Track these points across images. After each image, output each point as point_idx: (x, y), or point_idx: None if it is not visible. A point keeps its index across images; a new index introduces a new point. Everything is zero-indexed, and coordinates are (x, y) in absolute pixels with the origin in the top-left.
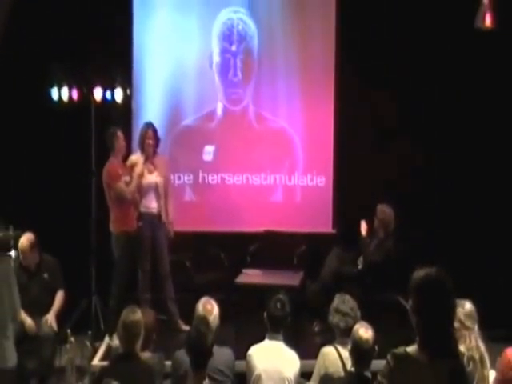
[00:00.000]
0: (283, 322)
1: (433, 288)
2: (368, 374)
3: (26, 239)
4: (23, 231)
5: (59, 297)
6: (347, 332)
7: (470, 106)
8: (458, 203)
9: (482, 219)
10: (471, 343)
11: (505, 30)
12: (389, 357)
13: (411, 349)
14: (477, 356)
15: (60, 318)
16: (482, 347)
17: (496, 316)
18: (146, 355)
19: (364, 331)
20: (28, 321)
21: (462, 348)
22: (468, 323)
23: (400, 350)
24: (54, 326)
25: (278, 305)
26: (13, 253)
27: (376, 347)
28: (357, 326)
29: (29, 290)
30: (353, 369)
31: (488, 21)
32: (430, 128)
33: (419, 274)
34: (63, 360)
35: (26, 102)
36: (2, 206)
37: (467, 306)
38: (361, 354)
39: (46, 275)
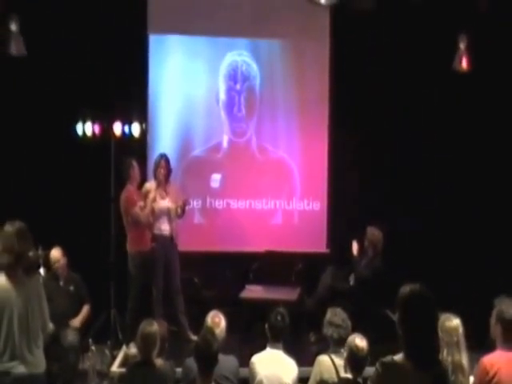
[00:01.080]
0: (283, 333)
1: (417, 303)
2: (360, 380)
3: (55, 250)
4: (51, 250)
5: (85, 309)
6: (340, 341)
7: (449, 138)
8: (441, 226)
9: (464, 243)
10: (454, 355)
11: (480, 72)
12: (377, 364)
13: (398, 357)
14: (459, 367)
15: (83, 329)
16: (465, 359)
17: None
18: (159, 362)
19: (360, 341)
20: None
21: (446, 358)
22: (453, 336)
23: (388, 358)
24: (77, 326)
25: (279, 317)
26: (42, 270)
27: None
28: (353, 336)
29: (55, 301)
30: (349, 375)
31: (464, 64)
32: (413, 159)
33: (405, 290)
34: (85, 366)
35: (55, 137)
36: (32, 227)
37: (453, 320)
38: (357, 361)
39: (72, 287)
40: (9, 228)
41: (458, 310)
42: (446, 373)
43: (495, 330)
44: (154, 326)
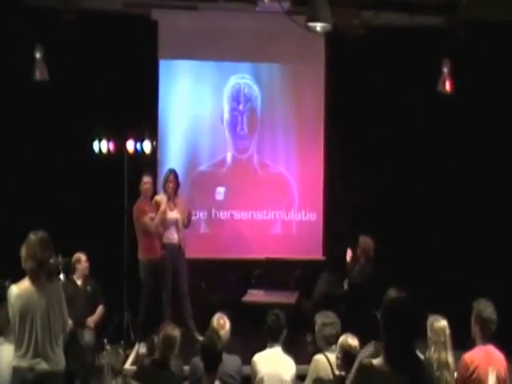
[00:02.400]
0: (280, 332)
1: (399, 308)
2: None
3: (78, 254)
4: (70, 257)
5: (100, 309)
6: (332, 339)
7: (436, 153)
8: (429, 236)
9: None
10: (441, 353)
11: (462, 94)
12: (357, 367)
13: (377, 361)
14: (445, 364)
15: (99, 330)
16: (451, 357)
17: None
18: (172, 363)
19: (351, 340)
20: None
21: (432, 356)
22: (441, 336)
23: (366, 361)
24: (92, 326)
25: (273, 317)
26: (61, 276)
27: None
28: (345, 337)
29: (75, 302)
30: (343, 372)
31: (448, 86)
32: (402, 173)
33: (388, 296)
34: (101, 363)
35: (74, 154)
36: (53, 236)
37: (441, 322)
38: (350, 358)
39: (89, 288)
40: (32, 237)
41: (445, 312)
42: (422, 375)
43: (474, 328)
44: (176, 331)
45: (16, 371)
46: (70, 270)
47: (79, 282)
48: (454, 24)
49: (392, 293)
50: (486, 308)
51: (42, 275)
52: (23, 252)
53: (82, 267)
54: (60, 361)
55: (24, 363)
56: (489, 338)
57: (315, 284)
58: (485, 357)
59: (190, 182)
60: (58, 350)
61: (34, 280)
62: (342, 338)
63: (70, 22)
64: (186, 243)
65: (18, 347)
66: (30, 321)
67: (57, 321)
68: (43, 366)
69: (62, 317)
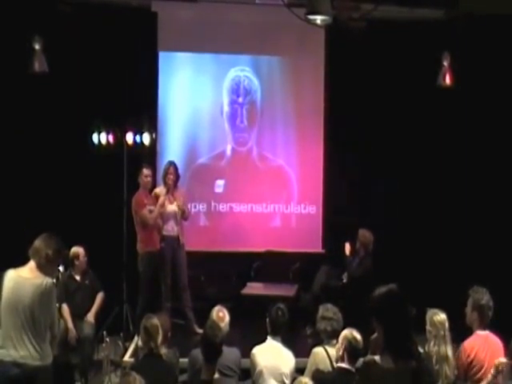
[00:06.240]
0: (282, 327)
1: (394, 301)
2: (352, 369)
3: (76, 247)
4: (69, 250)
5: (99, 297)
6: (333, 333)
7: (434, 147)
8: (426, 230)
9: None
10: (440, 347)
11: (462, 88)
12: (360, 365)
13: (378, 357)
14: (444, 357)
15: (98, 321)
16: (450, 351)
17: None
18: (163, 351)
19: (355, 333)
20: (73, 332)
21: (432, 349)
22: (440, 330)
23: (369, 357)
24: (92, 321)
25: (279, 312)
26: (61, 268)
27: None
28: (349, 330)
29: (76, 297)
30: (343, 365)
31: (448, 80)
32: (401, 167)
33: (379, 291)
34: (100, 356)
35: (73, 146)
36: (52, 229)
37: (440, 315)
38: (354, 352)
39: (87, 281)
40: (43, 235)
41: (443, 305)
42: (423, 365)
43: (471, 317)
44: (154, 319)
45: (0, 366)
46: (68, 265)
47: (78, 277)
48: (453, 17)
49: (381, 289)
50: (483, 295)
51: (42, 270)
52: (32, 246)
53: (81, 263)
54: (46, 356)
55: (8, 358)
56: (486, 325)
57: (314, 277)
58: (484, 343)
59: (189, 174)
60: (44, 346)
61: (33, 270)
62: (345, 332)
63: (69, 13)
64: (186, 236)
65: (3, 340)
66: (17, 312)
67: (45, 315)
68: (29, 361)
69: (50, 312)
